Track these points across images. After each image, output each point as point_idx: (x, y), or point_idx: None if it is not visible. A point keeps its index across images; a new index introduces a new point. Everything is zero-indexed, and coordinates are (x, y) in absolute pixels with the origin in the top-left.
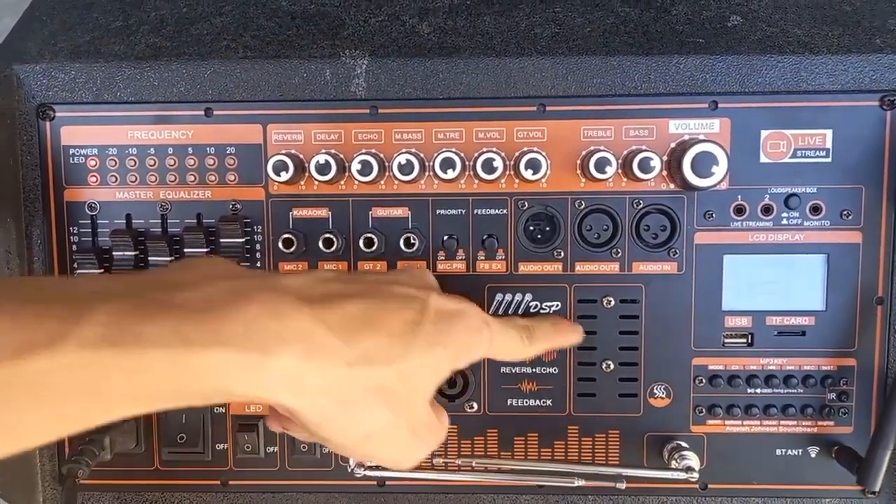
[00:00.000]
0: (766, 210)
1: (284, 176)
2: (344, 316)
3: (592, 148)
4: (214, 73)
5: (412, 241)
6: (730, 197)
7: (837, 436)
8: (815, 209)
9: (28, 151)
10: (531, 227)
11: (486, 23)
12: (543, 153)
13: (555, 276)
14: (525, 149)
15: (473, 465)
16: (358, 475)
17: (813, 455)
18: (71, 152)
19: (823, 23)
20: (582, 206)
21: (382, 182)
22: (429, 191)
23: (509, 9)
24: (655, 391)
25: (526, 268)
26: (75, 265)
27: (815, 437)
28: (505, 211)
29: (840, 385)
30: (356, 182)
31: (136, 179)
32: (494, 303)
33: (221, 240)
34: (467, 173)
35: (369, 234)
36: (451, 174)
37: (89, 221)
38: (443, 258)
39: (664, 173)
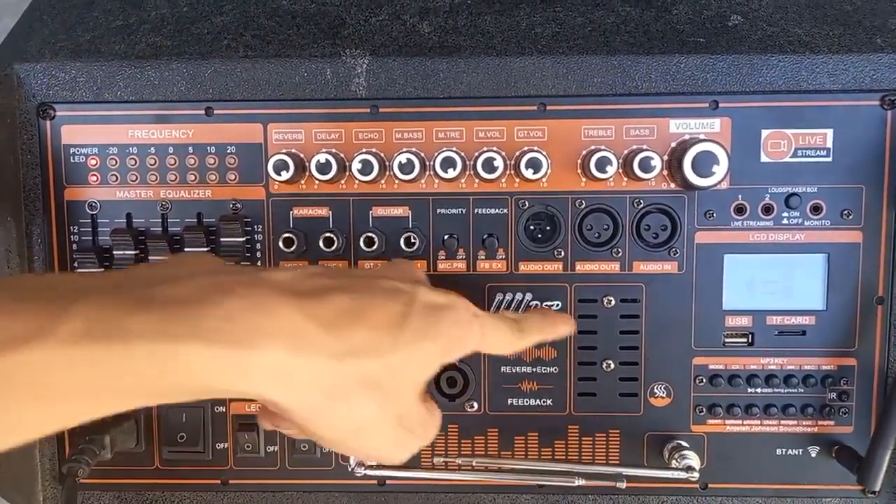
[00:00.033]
0: (767, 210)
1: (285, 175)
2: (331, 309)
3: (593, 147)
4: (215, 73)
5: (412, 240)
6: (730, 196)
7: (838, 435)
8: (816, 209)
9: (28, 150)
10: (532, 227)
11: (486, 22)
12: (544, 152)
13: (555, 276)
14: (525, 148)
15: (474, 464)
16: (358, 474)
17: (813, 455)
18: (71, 151)
19: (824, 22)
20: (582, 206)
21: (383, 181)
22: (429, 190)
23: (510, 8)
24: (656, 391)
25: (526, 267)
26: (76, 264)
27: (815, 437)
28: (505, 210)
29: (840, 385)
30: (357, 181)
31: (137, 179)
32: (494, 302)
33: (222, 239)
34: (468, 173)
35: (370, 234)
36: (451, 173)
37: (90, 220)
38: (443, 257)
39: (665, 173)
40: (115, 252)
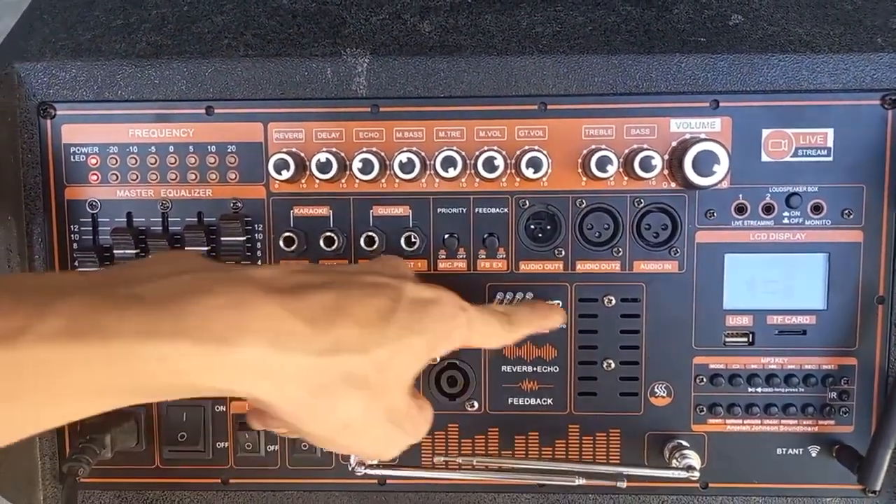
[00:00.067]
0: (768, 209)
1: (285, 174)
2: (313, 305)
3: (594, 146)
4: (215, 72)
5: (413, 239)
6: (731, 196)
7: (838, 435)
8: (817, 208)
9: (29, 149)
10: (532, 226)
11: (487, 21)
12: (544, 152)
13: (556, 275)
14: (526, 147)
15: (474, 463)
16: (359, 473)
17: (814, 454)
18: (72, 150)
19: (825, 22)
20: (583, 205)
21: (383, 180)
22: (430, 189)
23: (510, 7)
24: (656, 390)
25: (527, 266)
26: (76, 263)
27: (815, 437)
28: (506, 209)
29: (841, 384)
30: (357, 180)
31: (137, 178)
32: (495, 301)
33: (222, 238)
34: (468, 172)
35: (370, 233)
36: (452, 173)
37: (90, 220)
38: (444, 257)
39: (665, 172)
40: (115, 251)
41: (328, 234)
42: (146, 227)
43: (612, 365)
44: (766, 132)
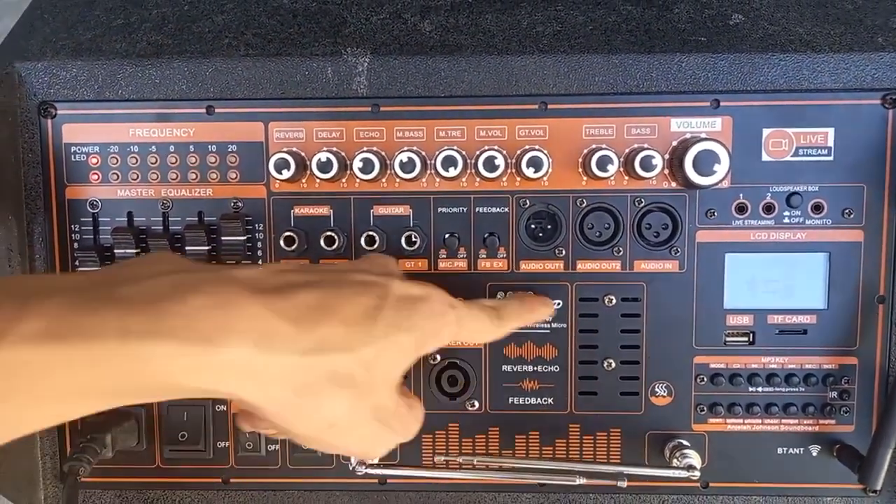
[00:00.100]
0: (768, 208)
1: (286, 174)
2: (298, 304)
3: (594, 146)
4: (216, 71)
5: (413, 239)
6: (731, 195)
7: (839, 434)
8: (817, 208)
9: (30, 149)
10: (532, 226)
11: (487, 21)
12: (545, 151)
13: (556, 275)
14: (527, 147)
15: (475, 463)
16: (359, 473)
17: (814, 454)
18: (72, 150)
19: (825, 21)
20: (583, 205)
21: (384, 180)
22: (430, 189)
23: (511, 7)
24: (657, 390)
25: (527, 266)
26: (77, 263)
27: (816, 436)
28: (506, 209)
29: (841, 384)
30: (358, 180)
31: (138, 177)
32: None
33: (223, 238)
34: (469, 171)
35: (371, 232)
36: (452, 172)
37: (91, 219)
38: (444, 256)
39: (666, 172)
40: (116, 251)
41: (329, 233)
42: (147, 227)
43: (613, 364)
44: (766, 132)
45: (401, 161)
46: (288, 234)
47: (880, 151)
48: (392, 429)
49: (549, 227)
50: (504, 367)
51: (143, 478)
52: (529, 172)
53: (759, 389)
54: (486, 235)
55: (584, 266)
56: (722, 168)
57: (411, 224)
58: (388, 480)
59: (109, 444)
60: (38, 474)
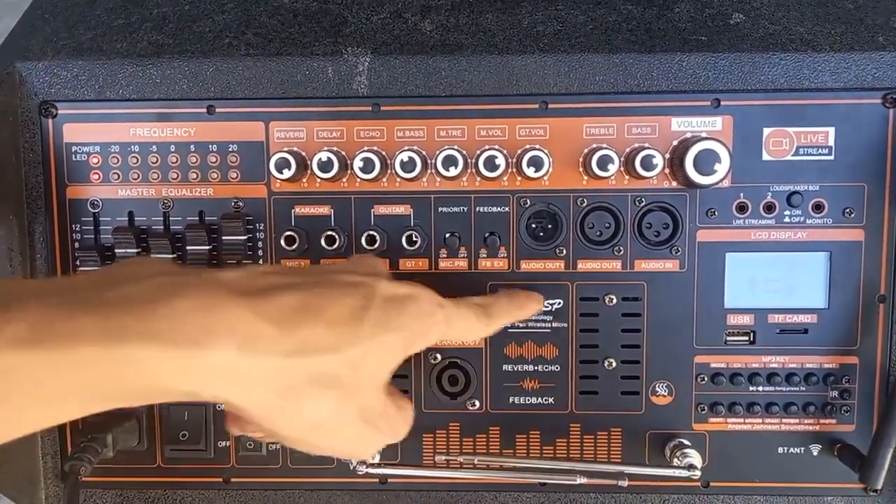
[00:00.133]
0: (769, 208)
1: (286, 173)
2: (282, 306)
3: (595, 145)
4: (217, 71)
5: (414, 238)
6: (732, 195)
7: (839, 434)
8: (818, 207)
9: (30, 149)
10: (533, 225)
11: (488, 20)
12: (546, 151)
13: (557, 274)
14: (527, 146)
15: (475, 462)
16: (360, 473)
17: (815, 453)
18: (73, 150)
19: (826, 20)
20: (584, 204)
21: (384, 180)
22: (431, 188)
23: (511, 6)
24: (657, 389)
25: (528, 265)
26: (77, 262)
27: (817, 435)
28: (507, 209)
29: (842, 383)
30: (358, 180)
31: (139, 177)
32: None
33: (223, 237)
34: (469, 171)
35: (371, 232)
36: (453, 172)
37: (91, 219)
38: (445, 256)
39: (666, 171)
40: (116, 250)
41: (329, 233)
42: (148, 227)
43: (614, 364)
44: (767, 131)
45: (401, 160)
46: (289, 233)
47: (881, 151)
48: (379, 429)
49: (549, 226)
50: (505, 367)
51: (143, 477)
52: (530, 172)
53: (760, 389)
54: (486, 235)
55: (584, 265)
56: (722, 167)
57: (412, 224)
58: (389, 480)
59: (110, 444)
60: (39, 474)
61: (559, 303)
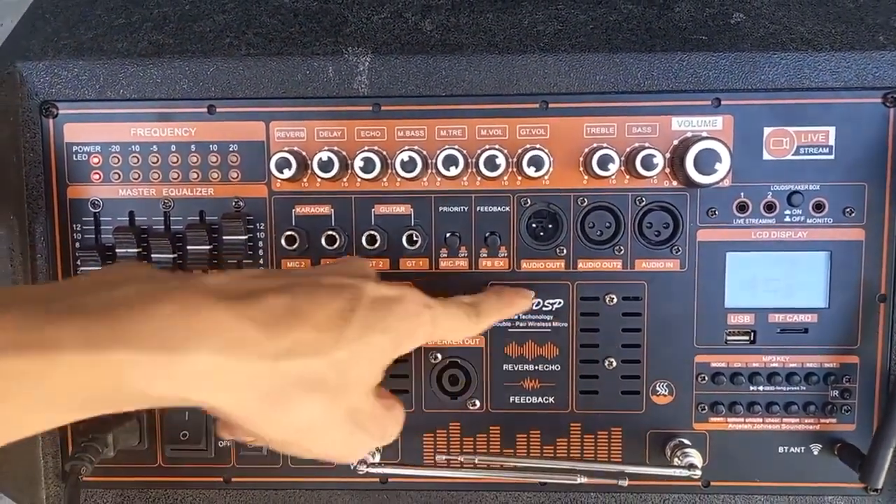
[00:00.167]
0: (769, 207)
1: (287, 173)
2: (267, 309)
3: (595, 145)
4: (217, 71)
5: (415, 238)
6: (732, 194)
7: (840, 433)
8: (818, 206)
9: (31, 149)
10: (534, 225)
11: (488, 20)
12: (546, 150)
13: (557, 274)
14: (528, 146)
15: (476, 462)
16: (361, 472)
17: (815, 452)
18: (74, 149)
19: (826, 20)
20: (584, 204)
21: (385, 179)
22: (431, 188)
23: (512, 6)
24: (658, 388)
25: (528, 265)
26: (78, 262)
27: (817, 435)
28: (507, 208)
29: (843, 382)
30: (359, 179)
31: (139, 177)
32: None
33: (224, 237)
34: (470, 170)
35: (372, 232)
36: (453, 171)
37: (92, 219)
38: (445, 255)
39: (667, 171)
40: (117, 250)
41: (330, 232)
42: (148, 226)
43: (614, 363)
44: (767, 130)
45: (402, 160)
46: (289, 233)
47: (881, 150)
48: (369, 432)
49: (550, 226)
50: (505, 366)
51: (144, 477)
52: (530, 171)
53: (761, 388)
54: (487, 234)
55: (585, 265)
56: (723, 167)
57: (412, 223)
58: (390, 479)
59: (111, 444)
60: (40, 474)
61: (559, 302)
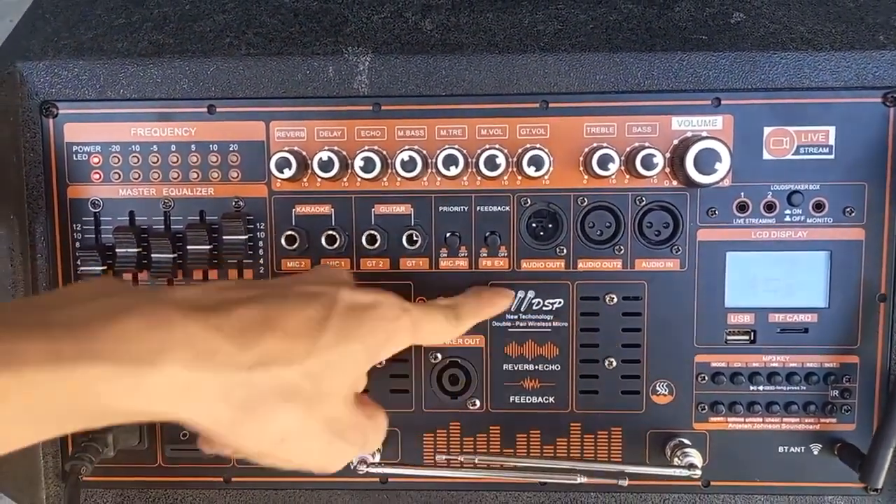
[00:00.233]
0: (769, 207)
1: (287, 173)
2: (238, 320)
3: (595, 145)
4: (217, 71)
5: (415, 238)
6: (733, 194)
7: (840, 433)
8: (818, 206)
9: (31, 149)
10: (534, 224)
11: (488, 19)
12: (546, 150)
13: (557, 273)
14: (528, 145)
15: (476, 462)
16: (360, 472)
17: (815, 452)
18: (74, 149)
19: (826, 19)
20: (585, 203)
21: (385, 179)
22: (431, 188)
23: (512, 5)
24: (658, 388)
25: (528, 265)
26: (78, 262)
27: (817, 435)
28: (507, 208)
29: (843, 382)
30: (359, 179)
31: (140, 176)
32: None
33: (224, 237)
34: (470, 170)
35: (372, 231)
36: (453, 171)
37: (92, 218)
38: (445, 255)
39: (667, 170)
40: (117, 250)
41: (330, 232)
42: (148, 226)
43: (614, 363)
44: (767, 130)
45: (402, 160)
46: (289, 233)
47: (881, 150)
48: (348, 440)
49: (550, 225)
50: (505, 366)
51: (144, 477)
52: (530, 171)
53: (761, 388)
54: (487, 234)
55: (585, 265)
56: (723, 166)
57: (412, 223)
58: (390, 479)
59: (111, 444)
60: (40, 473)
61: (559, 302)
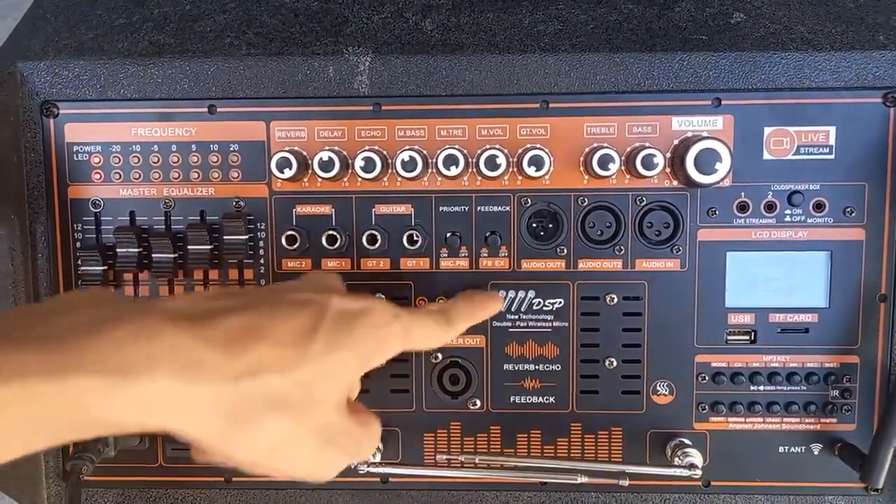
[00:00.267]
0: (770, 207)
1: (288, 173)
2: (226, 329)
3: (596, 145)
4: (218, 71)
5: (415, 238)
6: (733, 194)
7: (840, 433)
8: (819, 206)
9: (32, 149)
10: (534, 224)
11: (489, 19)
12: (546, 150)
13: (558, 273)
14: (528, 146)
15: (476, 462)
16: (361, 472)
17: (816, 452)
18: (75, 149)
19: (827, 19)
20: (585, 203)
21: (385, 179)
22: (432, 188)
23: (512, 5)
24: (658, 388)
25: (529, 265)
26: (79, 262)
27: (818, 435)
28: (508, 208)
29: (843, 382)
30: (359, 179)
31: (140, 176)
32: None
33: (224, 237)
34: (470, 170)
35: (372, 231)
36: (454, 171)
37: (93, 218)
38: (445, 255)
39: (667, 170)
40: (118, 250)
41: (330, 232)
42: (149, 226)
43: (614, 363)
44: (767, 130)
45: (402, 160)
46: (290, 233)
47: (882, 150)
48: (341, 448)
49: (550, 225)
50: (506, 366)
51: (145, 476)
52: (531, 171)
53: (761, 388)
54: (487, 234)
55: (585, 265)
56: (723, 167)
57: (413, 223)
58: (390, 479)
59: (112, 443)
60: (41, 473)
61: (560, 302)
